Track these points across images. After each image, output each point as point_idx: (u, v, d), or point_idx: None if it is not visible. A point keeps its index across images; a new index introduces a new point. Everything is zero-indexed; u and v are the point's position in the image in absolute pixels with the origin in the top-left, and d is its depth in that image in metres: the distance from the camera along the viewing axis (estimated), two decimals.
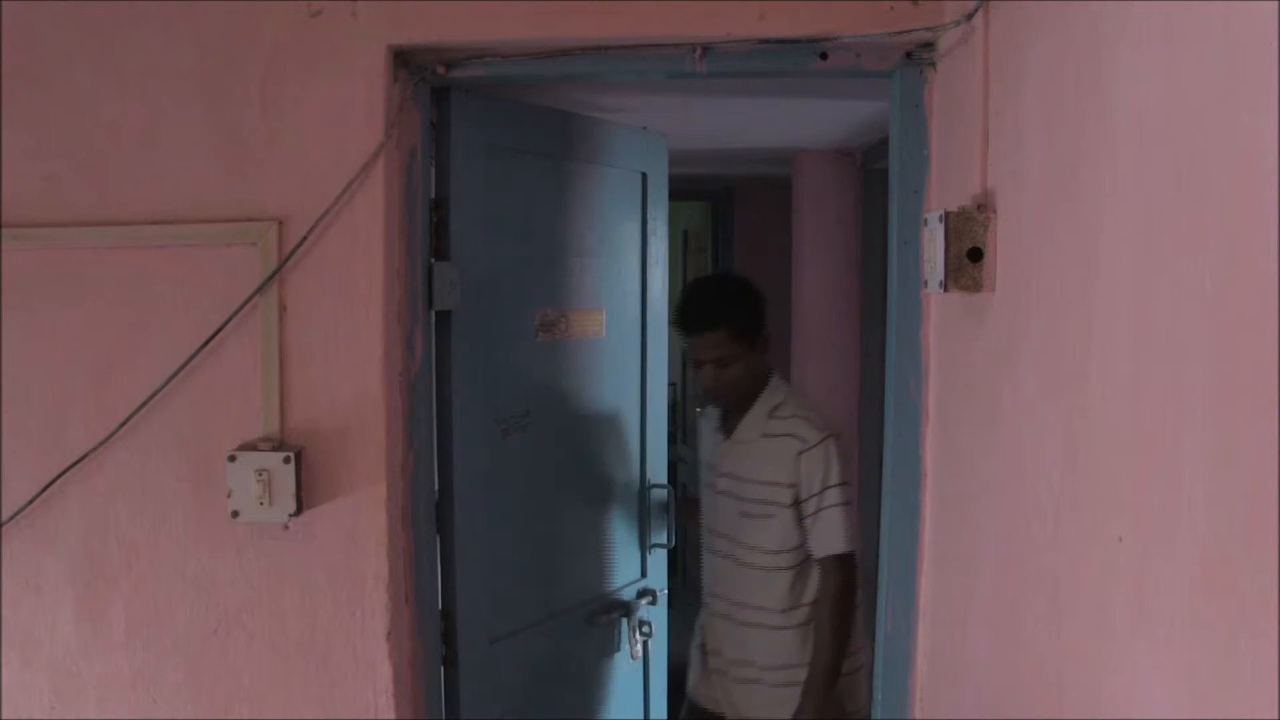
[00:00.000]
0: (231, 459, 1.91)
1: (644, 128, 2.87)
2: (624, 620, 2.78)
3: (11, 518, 1.97)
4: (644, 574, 2.89)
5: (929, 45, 1.95)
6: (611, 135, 2.72)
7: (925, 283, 1.79)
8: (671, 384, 4.83)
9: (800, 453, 2.38)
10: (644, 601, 2.83)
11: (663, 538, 2.94)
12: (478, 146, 2.23)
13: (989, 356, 1.66)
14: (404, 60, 1.99)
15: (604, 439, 2.75)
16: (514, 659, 2.43)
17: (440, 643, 2.20)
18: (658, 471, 2.96)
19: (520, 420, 2.44)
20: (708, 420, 2.71)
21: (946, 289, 1.63)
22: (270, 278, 1.92)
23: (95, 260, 1.95)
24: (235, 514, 1.92)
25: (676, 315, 2.53)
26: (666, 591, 2.96)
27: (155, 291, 1.95)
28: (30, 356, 1.97)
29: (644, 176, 2.83)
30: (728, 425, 2.56)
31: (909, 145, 2.01)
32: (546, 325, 2.53)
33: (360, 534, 1.96)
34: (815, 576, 2.42)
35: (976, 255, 1.61)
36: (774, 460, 2.41)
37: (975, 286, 1.62)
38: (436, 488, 2.19)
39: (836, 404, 3.51)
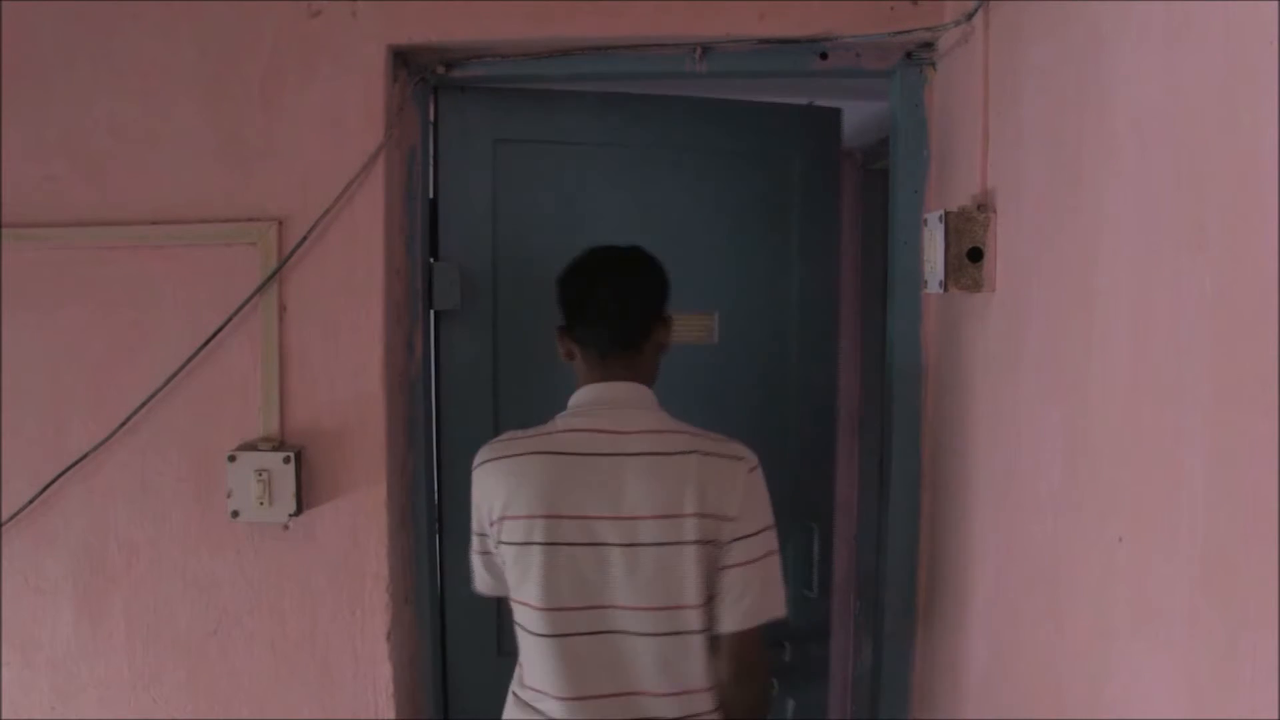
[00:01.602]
0: (231, 459, 1.91)
1: (810, 103, 2.43)
2: None
3: (11, 518, 1.97)
4: None
5: (929, 45, 1.95)
6: (725, 116, 2.34)
7: (925, 283, 1.79)
8: None
9: None
10: None
11: None
12: (483, 143, 2.19)
13: (989, 357, 1.66)
14: (404, 60, 1.99)
15: None
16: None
17: (440, 643, 2.20)
18: None
19: None
20: None
21: (946, 289, 1.63)
22: (270, 278, 1.93)
23: (95, 260, 1.95)
24: (235, 514, 1.92)
25: None
26: None
27: (155, 291, 1.95)
28: (30, 356, 1.97)
29: (786, 160, 2.40)
30: None
31: (909, 145, 2.01)
32: None
33: (360, 534, 1.96)
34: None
35: (976, 255, 1.62)
36: None
37: (975, 286, 1.62)
38: (437, 488, 2.18)
39: (836, 404, 3.49)
